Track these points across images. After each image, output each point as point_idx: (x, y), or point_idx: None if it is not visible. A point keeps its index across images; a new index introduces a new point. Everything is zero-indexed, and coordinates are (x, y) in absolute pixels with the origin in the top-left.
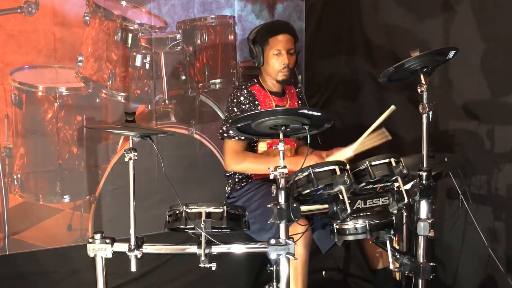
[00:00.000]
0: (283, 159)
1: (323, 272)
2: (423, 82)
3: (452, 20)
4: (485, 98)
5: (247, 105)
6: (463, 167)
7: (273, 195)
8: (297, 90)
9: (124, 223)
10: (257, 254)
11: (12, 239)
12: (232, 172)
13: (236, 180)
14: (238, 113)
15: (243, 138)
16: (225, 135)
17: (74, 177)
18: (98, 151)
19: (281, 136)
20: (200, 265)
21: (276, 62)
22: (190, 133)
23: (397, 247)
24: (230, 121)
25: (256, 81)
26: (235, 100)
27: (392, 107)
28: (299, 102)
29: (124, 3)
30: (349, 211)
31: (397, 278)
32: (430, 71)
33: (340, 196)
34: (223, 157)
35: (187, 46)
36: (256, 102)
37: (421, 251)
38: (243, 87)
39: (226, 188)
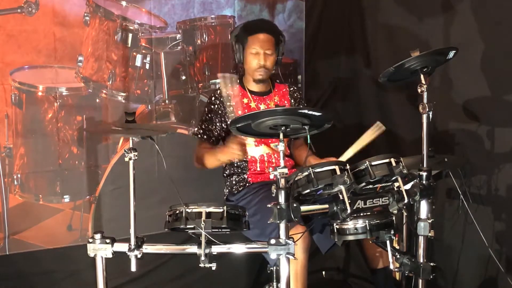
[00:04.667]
0: (283, 158)
1: (323, 272)
2: (423, 82)
3: (452, 20)
4: (485, 98)
5: (216, 105)
6: (463, 167)
7: (273, 195)
8: (291, 89)
9: (124, 223)
10: (257, 254)
11: (12, 239)
12: (227, 173)
13: (234, 182)
14: (207, 112)
15: (205, 137)
16: (194, 132)
17: (74, 177)
18: (98, 151)
19: (281, 136)
20: (200, 265)
21: (253, 61)
22: (190, 133)
23: (397, 247)
24: (199, 121)
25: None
26: (208, 100)
27: (379, 124)
28: (292, 101)
29: (124, 3)
30: (349, 211)
31: (397, 278)
32: (430, 71)
33: (340, 196)
34: None
35: (187, 46)
36: (228, 103)
37: (421, 251)
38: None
39: (225, 190)
